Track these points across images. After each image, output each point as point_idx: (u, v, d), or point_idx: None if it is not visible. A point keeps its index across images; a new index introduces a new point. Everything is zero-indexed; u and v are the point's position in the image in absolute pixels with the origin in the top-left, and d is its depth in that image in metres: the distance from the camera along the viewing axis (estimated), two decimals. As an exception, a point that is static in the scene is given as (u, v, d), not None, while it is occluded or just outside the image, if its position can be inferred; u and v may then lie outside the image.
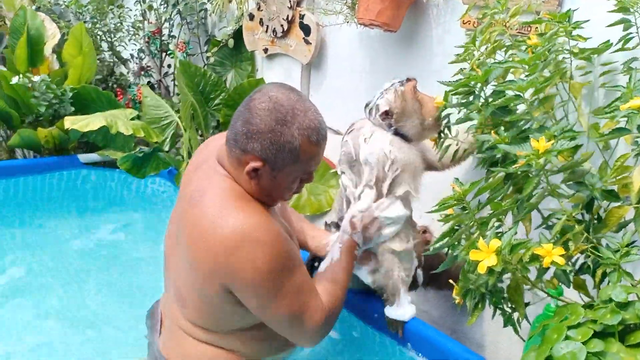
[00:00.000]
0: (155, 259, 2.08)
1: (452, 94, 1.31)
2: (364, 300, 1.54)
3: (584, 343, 0.83)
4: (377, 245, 1.42)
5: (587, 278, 1.14)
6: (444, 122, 1.39)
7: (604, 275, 1.04)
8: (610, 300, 0.89)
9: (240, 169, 1.17)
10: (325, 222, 1.59)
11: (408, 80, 1.43)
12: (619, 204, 1.08)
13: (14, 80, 2.40)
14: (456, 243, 1.15)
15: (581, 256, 1.14)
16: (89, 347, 1.69)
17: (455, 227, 1.17)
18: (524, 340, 1.20)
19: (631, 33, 1.23)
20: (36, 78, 2.39)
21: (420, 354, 1.42)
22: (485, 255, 0.91)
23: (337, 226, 1.53)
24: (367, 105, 1.45)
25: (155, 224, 2.47)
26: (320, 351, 1.57)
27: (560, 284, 1.10)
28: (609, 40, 1.26)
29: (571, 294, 1.15)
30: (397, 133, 1.43)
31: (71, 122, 2.03)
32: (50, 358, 1.64)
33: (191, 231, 1.16)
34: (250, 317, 1.22)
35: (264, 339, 1.30)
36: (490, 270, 0.92)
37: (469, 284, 1.05)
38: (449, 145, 1.39)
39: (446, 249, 1.19)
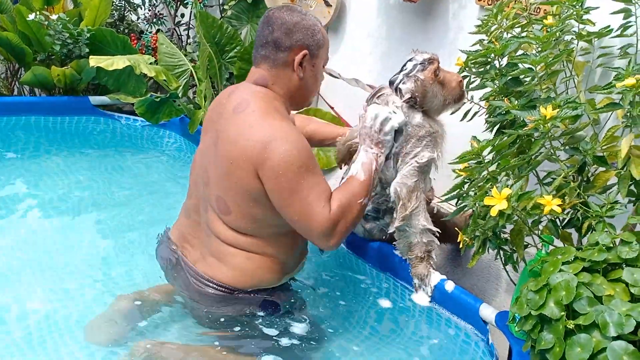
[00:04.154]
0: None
1: (470, 63, 1.46)
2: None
3: (575, 275, 1.02)
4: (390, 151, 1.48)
5: (571, 232, 1.34)
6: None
7: (589, 228, 1.23)
8: (597, 243, 1.07)
9: (286, 71, 1.42)
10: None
11: (430, 61, 1.47)
12: (605, 169, 1.27)
13: (31, 17, 2.42)
14: (465, 195, 1.33)
15: (568, 213, 1.33)
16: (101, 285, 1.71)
17: (465, 181, 1.35)
18: (514, 284, 1.39)
19: (630, 22, 1.39)
20: (54, 16, 2.42)
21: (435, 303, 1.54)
22: (497, 201, 1.08)
23: None
24: (391, 82, 1.51)
25: (159, 168, 2.53)
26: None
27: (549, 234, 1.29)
28: (609, 26, 1.42)
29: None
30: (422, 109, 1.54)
31: (96, 61, 2.08)
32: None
33: (234, 133, 1.35)
34: (280, 219, 1.38)
35: (294, 246, 1.49)
36: (501, 214, 1.09)
37: (478, 228, 1.23)
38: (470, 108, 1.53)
39: (455, 200, 1.36)
